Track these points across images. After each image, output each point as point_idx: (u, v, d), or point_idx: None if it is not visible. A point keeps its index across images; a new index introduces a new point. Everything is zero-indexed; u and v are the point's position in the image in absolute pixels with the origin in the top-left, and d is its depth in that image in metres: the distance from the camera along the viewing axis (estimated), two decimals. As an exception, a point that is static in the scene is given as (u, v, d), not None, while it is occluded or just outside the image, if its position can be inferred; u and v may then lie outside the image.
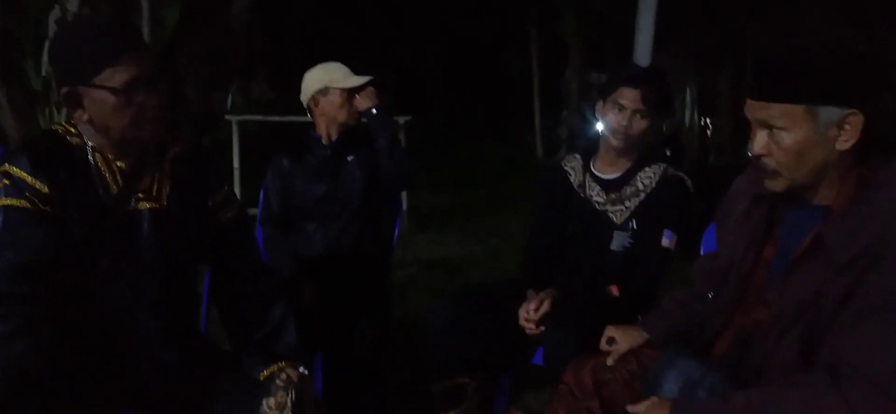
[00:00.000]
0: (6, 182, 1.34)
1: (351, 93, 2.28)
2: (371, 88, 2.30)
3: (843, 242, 1.20)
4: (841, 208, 1.25)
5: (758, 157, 1.28)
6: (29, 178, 1.34)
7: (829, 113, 1.20)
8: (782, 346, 1.29)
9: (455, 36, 12.22)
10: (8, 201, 1.33)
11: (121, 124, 1.38)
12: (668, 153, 5.81)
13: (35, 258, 1.32)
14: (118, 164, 1.45)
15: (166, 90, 1.43)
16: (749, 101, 1.26)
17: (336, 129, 2.34)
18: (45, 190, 1.34)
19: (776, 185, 1.30)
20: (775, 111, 1.22)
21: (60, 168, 1.37)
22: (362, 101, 2.29)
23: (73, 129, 1.44)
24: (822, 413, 1.16)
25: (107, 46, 1.34)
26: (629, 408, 1.37)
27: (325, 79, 2.30)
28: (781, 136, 1.23)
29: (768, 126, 1.25)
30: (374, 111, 2.28)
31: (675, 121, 7.98)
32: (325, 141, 2.35)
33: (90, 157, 1.43)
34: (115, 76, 1.33)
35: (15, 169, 1.34)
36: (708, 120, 8.67)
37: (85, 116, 1.39)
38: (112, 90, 1.34)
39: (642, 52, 4.55)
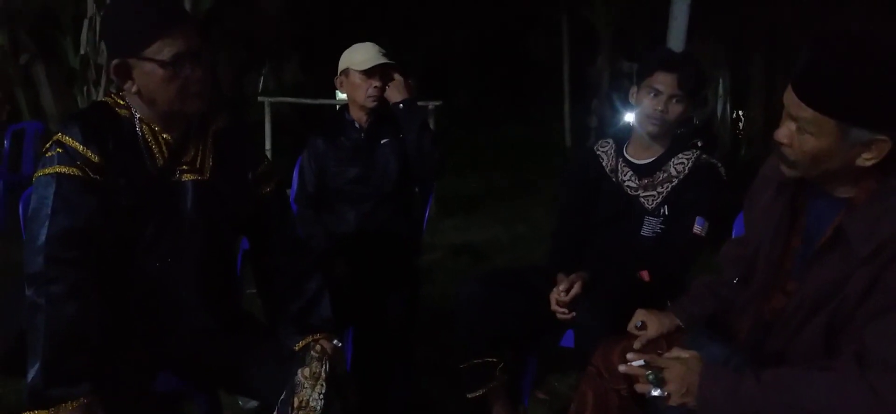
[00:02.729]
0: (59, 150, 1.38)
1: (372, 76, 2.28)
2: (400, 81, 2.30)
3: (864, 235, 1.22)
4: (862, 202, 1.27)
5: (779, 143, 1.29)
6: (80, 147, 1.38)
7: (859, 134, 1.21)
8: (804, 334, 1.32)
9: (484, 21, 12.16)
10: (61, 169, 1.37)
11: (168, 96, 1.42)
12: (700, 144, 5.75)
13: (85, 224, 1.37)
14: (164, 136, 1.49)
15: (209, 65, 1.47)
16: (789, 91, 1.26)
17: (362, 111, 2.35)
18: (96, 159, 1.39)
19: (790, 173, 1.32)
20: (808, 114, 1.23)
21: (110, 139, 1.42)
22: (392, 94, 2.30)
23: (121, 102, 1.48)
24: (849, 398, 1.18)
25: (155, 20, 1.38)
26: (666, 355, 1.39)
27: (347, 60, 2.31)
28: (806, 138, 1.25)
29: (798, 122, 1.26)
30: (401, 106, 2.29)
31: (707, 112, 7.87)
32: (358, 124, 2.37)
33: (138, 128, 1.47)
34: (164, 49, 1.38)
35: (68, 138, 1.39)
36: (740, 112, 8.53)
37: (134, 88, 1.43)
38: (160, 63, 1.38)
39: (676, 40, 4.51)
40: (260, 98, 5.53)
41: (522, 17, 11.44)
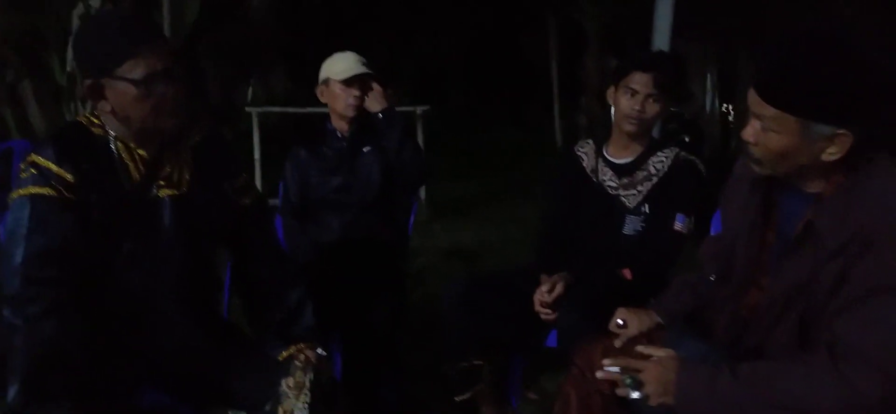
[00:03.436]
0: (33, 171, 1.39)
1: (351, 85, 2.28)
2: (380, 91, 2.31)
3: (833, 229, 1.24)
4: (830, 196, 1.29)
5: (746, 142, 1.32)
6: (54, 167, 1.39)
7: (821, 129, 1.23)
8: (778, 329, 1.34)
9: (473, 24, 12.19)
10: (35, 190, 1.38)
11: (141, 114, 1.43)
12: (687, 139, 5.78)
13: (61, 243, 1.37)
14: (140, 152, 1.50)
15: (184, 81, 1.47)
16: (751, 91, 1.29)
17: (343, 121, 2.36)
18: (70, 178, 1.39)
19: (759, 170, 1.35)
20: (770, 113, 1.25)
21: (84, 157, 1.42)
22: (371, 104, 2.31)
23: (96, 120, 1.49)
24: (822, 388, 1.21)
25: (127, 39, 1.39)
26: (640, 347, 1.42)
27: (327, 70, 2.33)
28: (771, 136, 1.27)
29: (762, 121, 1.28)
30: (380, 115, 2.29)
31: (696, 107, 7.90)
32: (340, 134, 2.38)
33: (112, 146, 1.48)
34: (136, 68, 1.38)
35: (41, 159, 1.39)
36: (729, 106, 8.57)
37: (107, 107, 1.44)
38: (133, 82, 1.39)
39: (661, 38, 4.53)
40: (248, 108, 5.54)
41: (512, 20, 11.47)
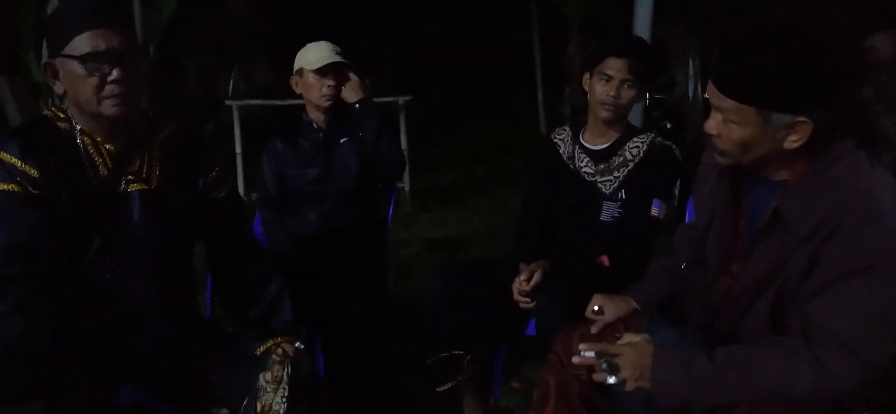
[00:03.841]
0: None
1: (325, 75, 2.26)
2: (356, 82, 2.29)
3: (800, 216, 1.26)
4: (795, 183, 1.30)
5: (710, 134, 1.34)
6: (19, 163, 1.37)
7: (780, 118, 1.24)
8: (750, 315, 1.36)
9: (456, 12, 12.15)
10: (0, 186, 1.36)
11: (85, 95, 1.40)
12: (669, 126, 5.80)
13: (27, 239, 1.36)
14: (107, 147, 1.48)
15: (140, 69, 1.45)
16: (710, 85, 1.31)
17: (318, 111, 2.34)
18: (35, 174, 1.38)
19: (724, 161, 1.37)
20: (729, 105, 1.27)
21: (50, 152, 1.41)
22: (348, 95, 2.29)
23: (61, 114, 1.47)
24: (796, 370, 1.22)
25: (79, 17, 1.38)
26: (622, 336, 1.42)
27: (301, 60, 2.30)
28: (732, 128, 1.29)
29: (722, 114, 1.30)
30: (357, 106, 2.28)
31: (678, 93, 7.92)
32: (316, 125, 2.36)
33: (79, 140, 1.46)
34: (81, 45, 1.37)
35: (5, 155, 1.38)
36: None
37: (61, 89, 1.42)
38: (77, 58, 1.37)
39: (642, 25, 4.53)
40: (228, 102, 5.49)
41: (495, 9, 11.44)
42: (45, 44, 1.46)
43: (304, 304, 1.72)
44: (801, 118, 1.23)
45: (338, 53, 2.27)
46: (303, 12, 9.56)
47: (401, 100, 5.38)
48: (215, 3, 7.62)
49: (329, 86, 2.27)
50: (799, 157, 1.30)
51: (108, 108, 1.41)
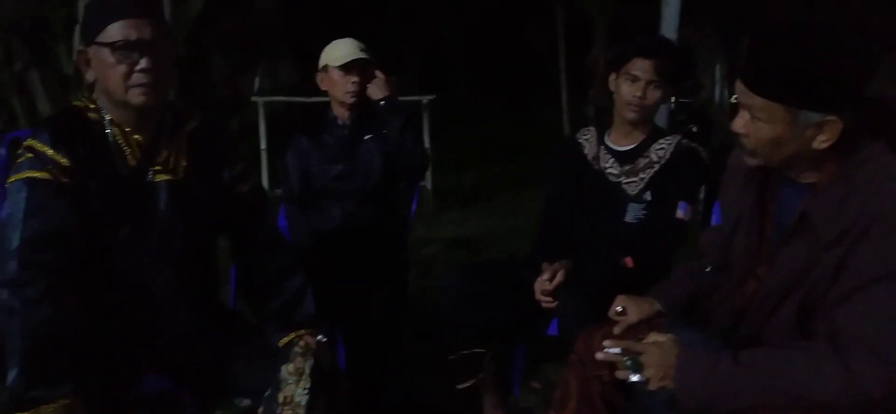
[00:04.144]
0: (29, 155, 1.41)
1: (349, 72, 2.27)
2: (382, 79, 2.29)
3: (828, 219, 1.24)
4: (824, 186, 1.29)
5: (737, 134, 1.32)
6: (50, 152, 1.40)
7: (809, 116, 1.23)
8: (775, 319, 1.34)
9: (478, 13, 12.14)
10: (31, 174, 1.39)
11: (114, 82, 1.42)
12: (695, 129, 5.74)
13: (58, 227, 1.39)
14: (136, 137, 1.51)
15: (168, 61, 1.48)
16: (738, 82, 1.29)
17: (343, 108, 2.35)
18: (66, 162, 1.41)
19: (752, 161, 1.35)
20: (758, 102, 1.26)
21: (80, 142, 1.44)
22: (373, 91, 2.29)
23: (92, 105, 1.50)
24: (823, 374, 1.20)
25: (112, 7, 1.42)
26: (643, 340, 1.40)
27: (326, 56, 2.31)
28: (760, 126, 1.27)
29: (751, 111, 1.28)
30: (382, 103, 2.28)
31: (704, 97, 7.85)
32: (340, 121, 2.38)
33: (108, 130, 1.49)
34: (113, 33, 1.40)
35: (38, 143, 1.41)
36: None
37: (92, 77, 1.46)
38: (108, 45, 1.40)
39: (668, 27, 4.51)
40: (253, 98, 5.55)
41: (518, 9, 11.41)
42: (78, 32, 1.48)
43: (325, 298, 1.73)
44: (830, 117, 1.21)
45: (363, 50, 2.28)
46: (327, 11, 9.62)
47: (424, 99, 5.40)
48: (242, 2, 7.70)
49: (354, 82, 2.28)
50: (828, 158, 1.27)
51: (135, 96, 1.44)
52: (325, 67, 2.32)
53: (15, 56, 5.70)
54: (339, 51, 2.28)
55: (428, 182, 5.39)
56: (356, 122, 2.36)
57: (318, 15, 9.51)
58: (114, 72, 1.41)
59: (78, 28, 4.86)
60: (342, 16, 9.51)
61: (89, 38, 1.44)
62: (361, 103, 2.33)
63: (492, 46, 12.84)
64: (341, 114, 2.37)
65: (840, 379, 1.18)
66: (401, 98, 2.38)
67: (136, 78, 1.42)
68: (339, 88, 2.30)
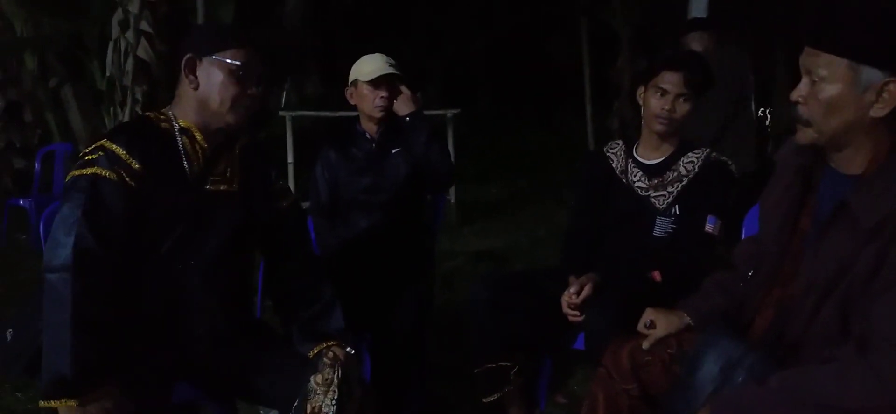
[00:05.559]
0: (101, 154, 1.46)
1: (378, 86, 2.30)
2: (407, 94, 2.33)
3: (867, 207, 1.22)
4: (869, 176, 1.27)
5: (795, 103, 1.31)
6: (123, 154, 1.46)
7: (871, 75, 1.22)
8: (819, 318, 1.30)
9: (503, 26, 12.18)
10: (99, 170, 1.44)
11: (220, 99, 1.54)
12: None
13: (114, 225, 1.43)
14: (202, 145, 1.58)
15: (264, 94, 1.60)
16: (805, 47, 1.28)
17: (371, 122, 2.38)
18: (137, 167, 1.47)
19: (805, 136, 1.33)
20: (821, 60, 1.25)
21: (153, 147, 1.51)
22: (399, 107, 2.33)
23: (162, 116, 1.59)
24: (852, 385, 1.17)
25: (238, 33, 1.58)
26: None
27: (356, 71, 2.35)
28: (821, 87, 1.26)
29: (812, 75, 1.27)
30: (408, 119, 2.31)
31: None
32: (368, 135, 2.40)
33: (178, 136, 1.56)
34: (237, 57, 1.54)
35: (114, 145, 1.47)
36: (766, 110, 8.39)
37: (194, 84, 1.55)
38: (229, 66, 1.53)
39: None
40: (281, 112, 5.61)
41: (542, 22, 11.43)
42: (187, 38, 1.60)
43: (351, 309, 1.74)
44: (891, 78, 1.20)
45: (392, 66, 2.31)
46: (353, 27, 9.73)
47: (449, 113, 5.42)
48: (269, 18, 7.82)
49: (382, 97, 2.31)
50: (881, 133, 1.26)
51: (234, 117, 1.56)
52: (355, 82, 2.35)
53: (50, 72, 5.86)
54: (369, 66, 2.31)
55: (451, 195, 5.41)
56: (384, 136, 2.39)
57: (344, 30, 9.62)
58: (225, 90, 1.54)
59: (111, 45, 4.98)
60: (368, 31, 9.61)
61: (205, 51, 1.54)
62: (389, 118, 2.36)
63: (516, 59, 12.86)
64: (369, 127, 2.40)
65: (869, 384, 1.15)
66: (425, 112, 2.41)
67: (243, 102, 1.56)
68: (368, 102, 2.33)
